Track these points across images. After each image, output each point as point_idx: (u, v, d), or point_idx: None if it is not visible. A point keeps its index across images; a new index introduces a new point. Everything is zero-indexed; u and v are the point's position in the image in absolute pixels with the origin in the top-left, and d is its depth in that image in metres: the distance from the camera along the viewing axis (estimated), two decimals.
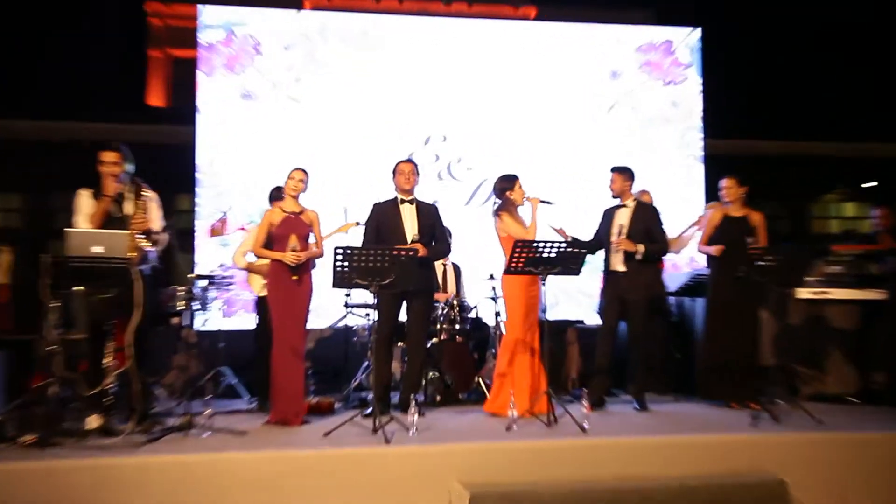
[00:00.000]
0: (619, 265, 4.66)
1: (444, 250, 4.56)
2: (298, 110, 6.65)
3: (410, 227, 4.36)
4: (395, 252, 3.73)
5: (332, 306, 5.87)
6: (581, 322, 5.96)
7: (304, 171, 4.29)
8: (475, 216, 6.60)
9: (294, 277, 4.13)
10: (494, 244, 4.61)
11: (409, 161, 4.50)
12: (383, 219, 4.38)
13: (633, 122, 7.03)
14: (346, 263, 3.71)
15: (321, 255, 4.25)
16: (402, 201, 4.42)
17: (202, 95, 6.53)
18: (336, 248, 3.69)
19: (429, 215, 4.43)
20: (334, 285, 3.77)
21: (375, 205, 4.45)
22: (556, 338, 5.52)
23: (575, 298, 6.66)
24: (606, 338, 4.63)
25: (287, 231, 4.19)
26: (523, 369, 4.37)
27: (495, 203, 4.56)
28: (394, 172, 4.48)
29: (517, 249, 4.00)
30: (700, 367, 4.73)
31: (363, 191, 6.21)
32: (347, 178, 6.60)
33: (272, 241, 4.24)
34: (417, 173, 4.48)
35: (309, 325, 4.24)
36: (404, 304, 4.38)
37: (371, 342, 4.44)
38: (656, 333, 5.03)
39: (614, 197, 4.78)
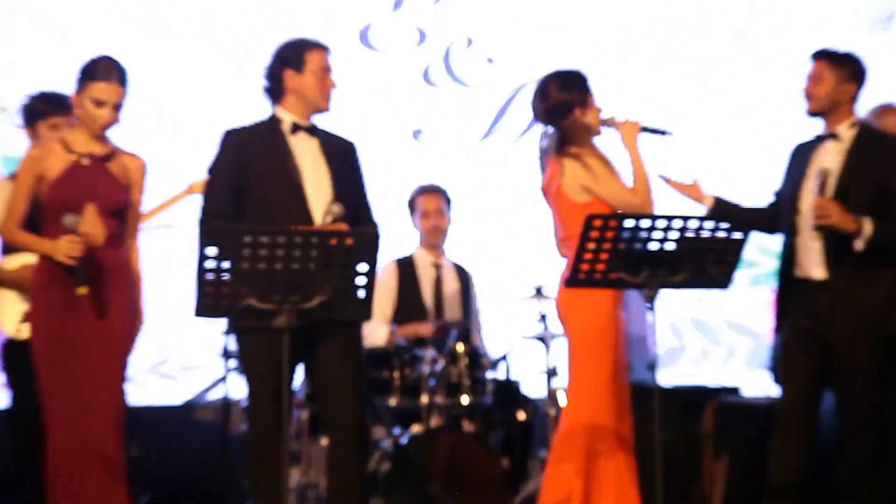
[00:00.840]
0: (814, 267, 4.71)
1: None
2: None
3: (315, 186, 4.44)
4: (332, 240, 3.84)
5: (191, 357, 5.98)
6: (734, 391, 6.03)
7: (116, 66, 4.34)
8: (502, 162, 6.71)
9: (81, 291, 4.18)
10: (541, 224, 4.81)
11: (321, 46, 4.58)
12: (253, 163, 4.46)
13: None
14: (226, 262, 3.73)
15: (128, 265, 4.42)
16: (297, 129, 4.48)
17: None
18: (204, 230, 3.86)
19: (345, 162, 4.57)
20: (200, 311, 3.84)
21: (231, 133, 4.52)
22: (681, 423, 5.61)
23: (717, 338, 6.69)
24: (791, 424, 4.70)
25: (75, 194, 4.28)
26: (607, 488, 4.48)
27: (546, 133, 4.70)
28: (291, 62, 4.51)
29: (594, 232, 4.01)
30: None
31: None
32: (225, 86, 6.69)
33: (43, 214, 4.33)
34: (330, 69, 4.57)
35: (135, 400, 4.59)
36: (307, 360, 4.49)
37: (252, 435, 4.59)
38: None
39: (813, 114, 4.80)
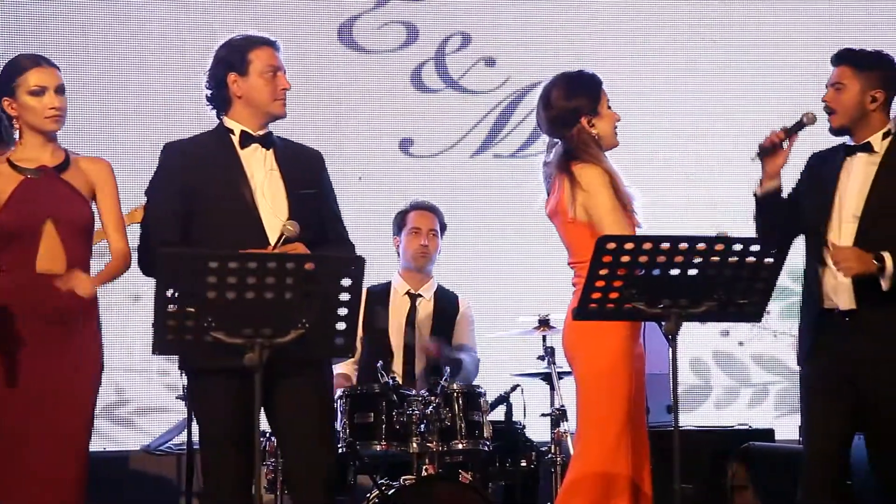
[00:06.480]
0: (841, 296, 4.72)
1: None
2: None
3: (271, 204, 4.44)
4: (307, 262, 3.77)
5: (149, 399, 5.89)
6: (766, 435, 6.07)
7: (37, 55, 4.40)
8: (502, 177, 6.82)
9: (17, 337, 4.22)
10: (546, 247, 4.90)
11: (267, 42, 4.54)
12: (199, 182, 4.46)
13: None
14: (193, 289, 3.69)
15: (114, 274, 4.46)
16: (248, 139, 4.48)
17: None
18: (161, 251, 3.79)
19: (306, 174, 4.57)
20: (159, 348, 3.79)
21: (172, 147, 4.56)
22: (705, 472, 5.65)
23: (745, 376, 6.77)
24: (817, 474, 4.74)
25: (29, 215, 4.28)
26: None
27: (551, 149, 4.73)
28: (234, 65, 4.49)
29: (606, 256, 3.94)
30: None
31: None
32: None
33: None
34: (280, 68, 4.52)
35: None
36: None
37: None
38: None
39: (838, 132, 4.79)
